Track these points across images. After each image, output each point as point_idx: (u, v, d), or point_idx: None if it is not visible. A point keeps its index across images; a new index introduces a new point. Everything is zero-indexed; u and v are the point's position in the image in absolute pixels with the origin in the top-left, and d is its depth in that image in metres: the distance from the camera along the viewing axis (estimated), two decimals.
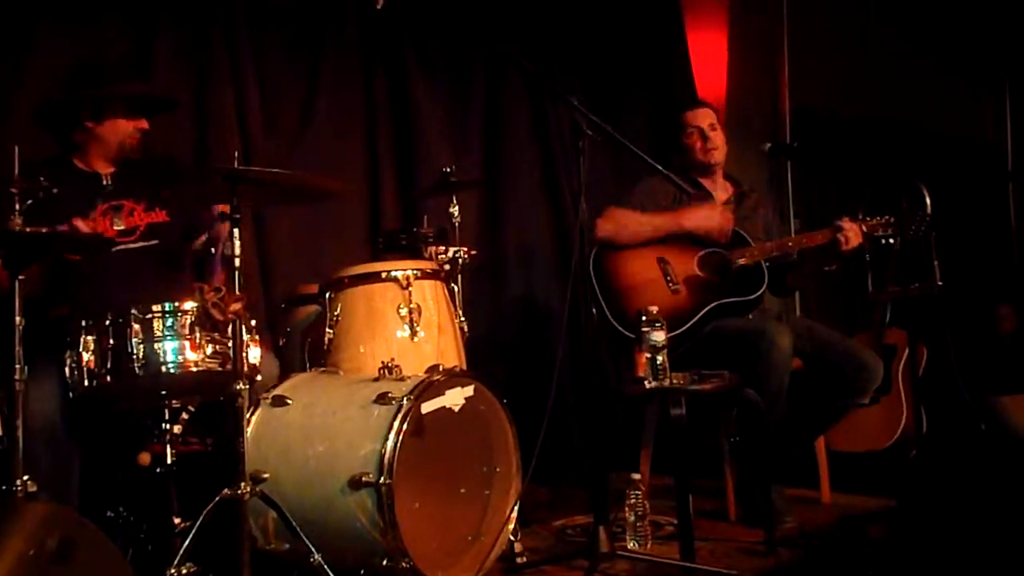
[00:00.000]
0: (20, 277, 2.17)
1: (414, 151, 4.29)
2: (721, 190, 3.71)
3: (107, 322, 2.35)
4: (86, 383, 2.36)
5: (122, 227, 2.81)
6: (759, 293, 3.42)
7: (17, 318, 2.16)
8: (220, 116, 3.78)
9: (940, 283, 3.24)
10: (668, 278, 3.47)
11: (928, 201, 3.25)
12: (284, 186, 2.58)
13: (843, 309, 4.91)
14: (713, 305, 3.41)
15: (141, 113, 2.90)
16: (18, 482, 2.10)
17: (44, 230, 2.20)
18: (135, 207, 2.88)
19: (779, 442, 3.24)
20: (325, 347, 2.93)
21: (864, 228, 3.41)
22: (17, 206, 2.16)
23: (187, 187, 2.76)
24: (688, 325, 3.39)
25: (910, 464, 3.76)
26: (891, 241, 3.39)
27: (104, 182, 2.89)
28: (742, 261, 3.44)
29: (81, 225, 2.65)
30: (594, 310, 3.40)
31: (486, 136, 4.60)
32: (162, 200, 2.88)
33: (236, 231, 2.35)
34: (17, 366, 2.15)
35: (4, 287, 2.26)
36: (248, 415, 2.46)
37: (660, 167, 3.10)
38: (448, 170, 3.48)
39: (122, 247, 2.81)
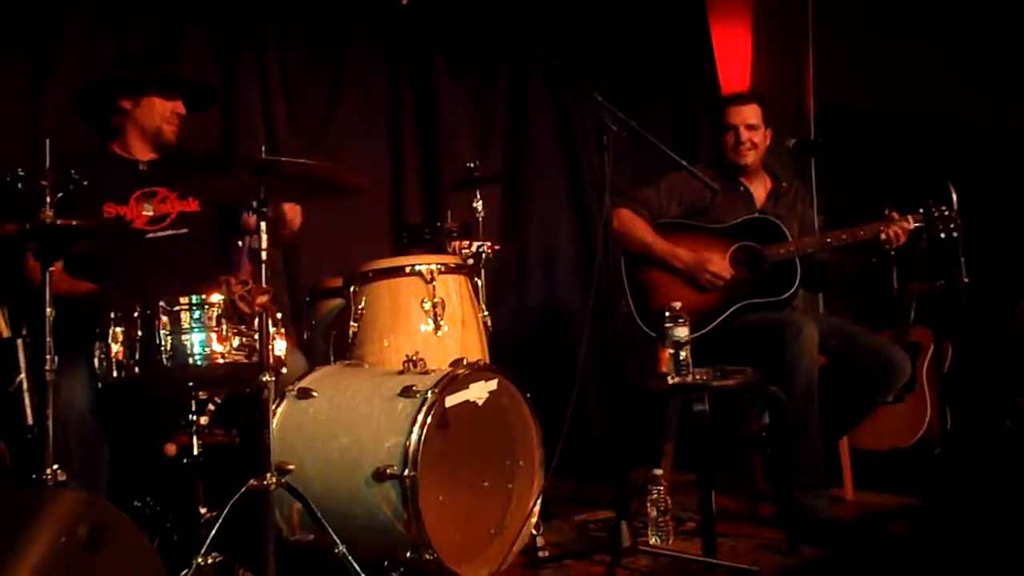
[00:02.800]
0: (51, 269, 2.20)
1: (438, 146, 4.30)
2: (759, 185, 3.63)
3: (135, 314, 2.37)
4: (115, 374, 2.38)
5: (151, 213, 2.84)
6: (790, 293, 3.35)
7: (48, 309, 2.19)
8: (246, 112, 3.81)
9: (966, 280, 3.22)
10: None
11: (955, 198, 3.22)
12: (311, 180, 2.59)
13: (868, 306, 4.88)
14: (740, 304, 3.38)
15: (175, 92, 2.93)
16: (48, 471, 2.13)
17: (74, 222, 2.21)
18: (168, 195, 2.91)
19: (812, 438, 3.17)
20: (350, 340, 2.95)
21: (912, 223, 3.31)
22: (48, 198, 2.18)
23: (218, 178, 2.77)
24: (714, 324, 3.36)
25: (934, 462, 3.74)
26: (942, 236, 3.26)
27: (141, 168, 2.92)
28: (776, 256, 3.39)
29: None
30: (624, 305, 3.40)
31: (510, 131, 4.60)
32: (195, 189, 2.91)
33: (263, 225, 2.37)
34: (48, 357, 2.18)
35: (36, 282, 2.29)
36: (274, 407, 2.49)
37: (684, 163, 3.09)
38: (472, 165, 3.49)
39: (152, 234, 2.84)
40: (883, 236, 3.30)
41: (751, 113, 3.53)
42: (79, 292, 2.66)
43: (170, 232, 2.87)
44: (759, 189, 3.63)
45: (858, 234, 3.36)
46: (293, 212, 2.90)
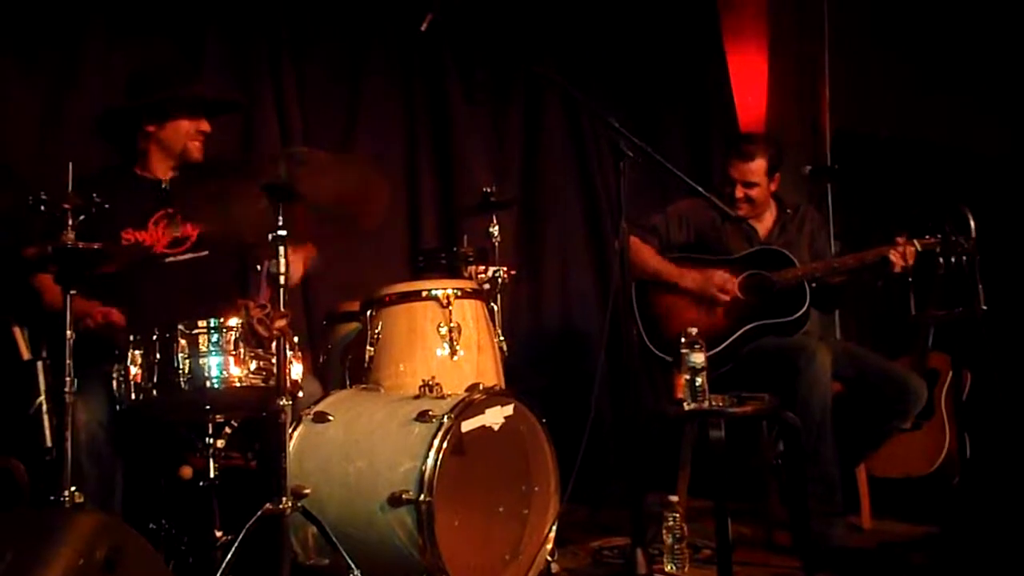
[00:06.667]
0: (72, 291, 2.22)
1: (454, 170, 4.32)
2: (765, 217, 3.66)
3: (154, 337, 2.39)
4: (133, 396, 2.40)
5: (178, 234, 2.84)
6: (799, 315, 3.38)
7: (68, 331, 2.20)
8: (263, 135, 3.84)
9: (984, 307, 3.20)
10: (704, 301, 3.47)
11: (972, 224, 3.21)
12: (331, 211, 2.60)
13: (885, 332, 4.85)
14: (751, 326, 3.39)
15: (201, 113, 2.91)
16: (66, 493, 2.14)
17: (96, 245, 2.22)
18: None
19: (828, 466, 3.16)
20: (366, 364, 2.95)
21: (919, 247, 3.34)
22: (70, 221, 2.20)
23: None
24: (724, 345, 3.37)
25: (953, 491, 3.70)
26: (952, 261, 3.27)
27: (163, 186, 2.90)
28: (785, 282, 3.41)
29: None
30: (635, 332, 3.40)
31: (526, 156, 4.62)
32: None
33: (281, 249, 2.38)
34: (67, 379, 2.19)
35: (57, 305, 2.31)
36: (290, 431, 2.49)
37: (700, 188, 3.10)
38: (488, 190, 3.50)
39: (171, 259, 2.83)
40: (891, 259, 3.32)
41: (752, 171, 3.54)
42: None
43: (189, 256, 2.86)
44: (765, 221, 3.67)
45: (865, 258, 3.40)
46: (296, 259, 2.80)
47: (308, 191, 2.40)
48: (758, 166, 3.53)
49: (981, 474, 3.51)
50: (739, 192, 3.54)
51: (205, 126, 2.92)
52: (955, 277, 3.30)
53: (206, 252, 2.88)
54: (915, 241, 3.34)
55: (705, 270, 3.51)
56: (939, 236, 3.30)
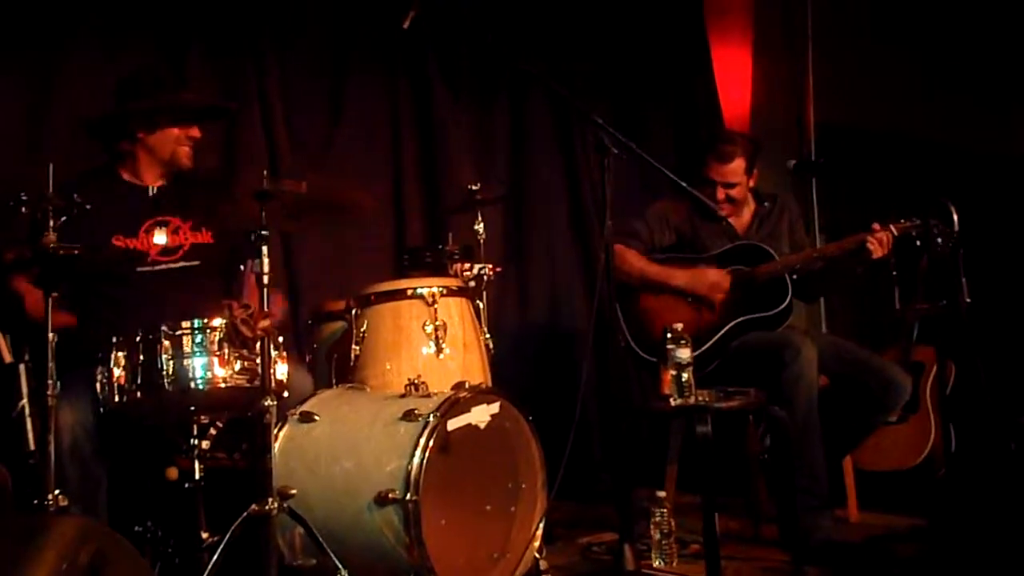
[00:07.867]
0: (54, 294, 2.20)
1: (439, 168, 4.32)
2: (743, 212, 3.66)
3: (137, 338, 2.38)
4: (116, 398, 2.39)
5: (165, 243, 2.81)
6: (782, 307, 3.40)
7: (50, 334, 2.19)
8: (247, 136, 3.83)
9: (968, 300, 3.22)
10: (690, 299, 3.48)
11: (955, 218, 3.22)
12: (316, 204, 2.60)
13: (870, 326, 4.88)
14: (736, 322, 3.41)
15: (192, 121, 2.87)
16: (50, 496, 2.13)
17: (76, 250, 2.20)
18: (181, 225, 2.84)
19: (814, 459, 3.17)
20: (352, 363, 2.95)
21: (895, 231, 3.36)
22: (51, 223, 2.18)
23: (225, 205, 2.74)
24: (711, 343, 3.38)
25: (939, 483, 3.73)
26: (932, 247, 3.29)
27: (151, 194, 2.86)
28: (765, 276, 3.43)
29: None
30: (620, 338, 3.41)
31: (511, 153, 4.62)
32: (208, 220, 2.85)
33: (264, 249, 2.37)
34: (49, 381, 2.18)
35: (37, 311, 2.29)
36: (276, 431, 2.48)
37: (685, 184, 3.11)
38: (473, 187, 3.50)
39: (163, 266, 2.79)
40: (869, 246, 3.34)
41: (732, 172, 3.54)
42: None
43: (181, 264, 2.81)
44: (743, 217, 3.67)
45: (844, 245, 3.42)
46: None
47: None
48: (737, 166, 3.54)
49: (966, 466, 3.54)
50: (720, 194, 3.55)
51: (195, 133, 2.87)
52: (939, 270, 3.31)
53: (198, 262, 2.83)
54: (891, 226, 3.36)
55: (693, 269, 3.51)
56: (915, 220, 3.33)
